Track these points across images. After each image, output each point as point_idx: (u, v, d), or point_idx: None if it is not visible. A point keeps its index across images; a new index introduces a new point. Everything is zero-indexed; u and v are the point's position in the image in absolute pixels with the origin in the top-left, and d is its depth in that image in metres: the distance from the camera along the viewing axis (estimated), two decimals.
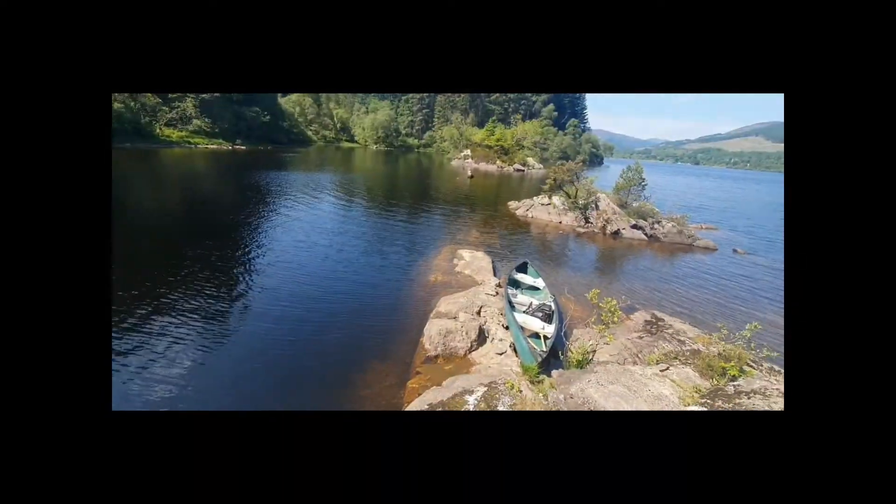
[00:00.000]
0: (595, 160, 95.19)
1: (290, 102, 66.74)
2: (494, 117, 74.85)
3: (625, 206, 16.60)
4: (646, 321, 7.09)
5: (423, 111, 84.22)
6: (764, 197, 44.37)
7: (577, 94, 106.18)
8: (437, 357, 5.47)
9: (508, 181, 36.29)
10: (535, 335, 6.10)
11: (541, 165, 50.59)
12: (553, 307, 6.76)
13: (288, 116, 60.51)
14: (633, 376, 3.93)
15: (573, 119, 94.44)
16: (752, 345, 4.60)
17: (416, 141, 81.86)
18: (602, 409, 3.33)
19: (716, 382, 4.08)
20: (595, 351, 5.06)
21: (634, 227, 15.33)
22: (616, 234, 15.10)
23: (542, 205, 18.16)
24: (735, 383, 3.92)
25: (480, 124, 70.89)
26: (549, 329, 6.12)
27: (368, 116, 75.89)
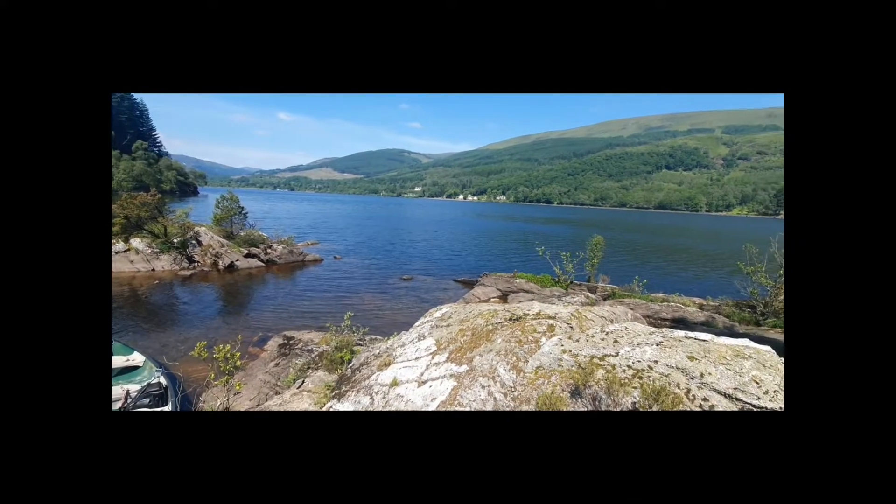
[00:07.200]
0: (187, 189, 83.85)
1: None
2: None
3: (232, 236, 15.83)
4: (279, 345, 7.22)
5: None
6: (344, 213, 58.87)
7: (138, 112, 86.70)
8: None
9: None
10: None
11: None
12: (164, 382, 5.21)
13: None
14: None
15: (140, 141, 76.75)
16: (354, 328, 5.92)
17: None
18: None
19: (340, 371, 4.87)
20: (228, 408, 4.43)
21: (249, 255, 15.05)
22: (231, 267, 14.13)
23: (118, 252, 13.39)
24: (351, 365, 4.88)
25: None
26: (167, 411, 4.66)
27: None
